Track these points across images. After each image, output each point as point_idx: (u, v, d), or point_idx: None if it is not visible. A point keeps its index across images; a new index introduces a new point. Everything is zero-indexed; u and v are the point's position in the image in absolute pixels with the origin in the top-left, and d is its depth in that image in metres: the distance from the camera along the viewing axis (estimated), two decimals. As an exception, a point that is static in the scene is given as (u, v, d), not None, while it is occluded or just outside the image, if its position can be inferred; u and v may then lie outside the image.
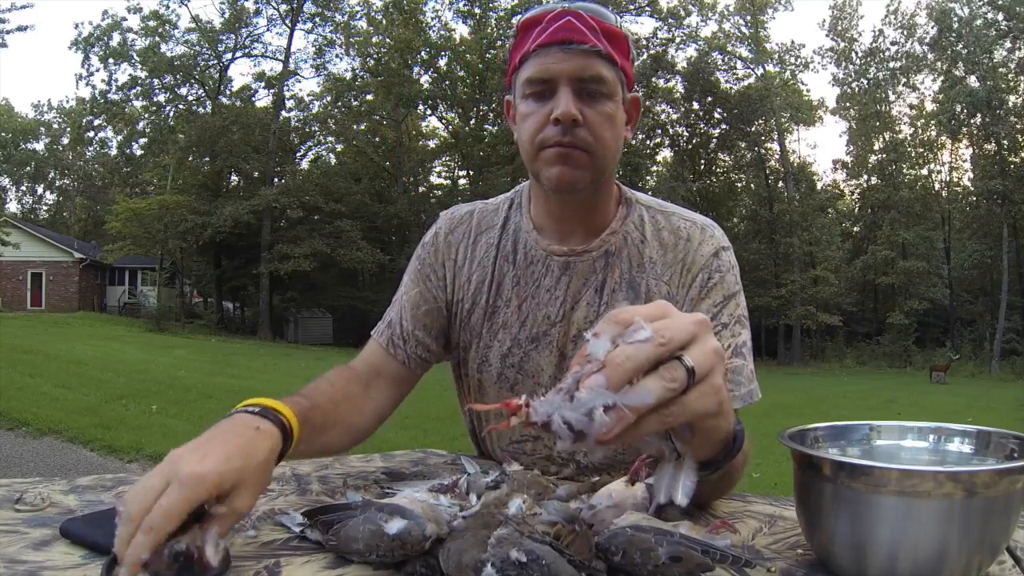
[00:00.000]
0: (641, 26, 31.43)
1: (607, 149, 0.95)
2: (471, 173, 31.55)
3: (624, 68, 0.96)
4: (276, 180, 29.40)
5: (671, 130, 33.41)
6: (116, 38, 28.99)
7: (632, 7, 29.84)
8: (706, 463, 0.68)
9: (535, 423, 0.51)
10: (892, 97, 32.87)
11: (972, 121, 28.14)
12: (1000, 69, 27.14)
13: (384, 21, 29.87)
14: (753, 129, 33.03)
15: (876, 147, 33.94)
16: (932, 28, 29.28)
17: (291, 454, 0.77)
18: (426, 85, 30.91)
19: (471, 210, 1.13)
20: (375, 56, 30.06)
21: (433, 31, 30.30)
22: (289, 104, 30.64)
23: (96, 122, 32.80)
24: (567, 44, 0.91)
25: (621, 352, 0.50)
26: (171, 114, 30.18)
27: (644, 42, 30.62)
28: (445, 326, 1.11)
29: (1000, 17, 26.67)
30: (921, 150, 33.12)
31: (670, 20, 31.10)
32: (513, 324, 1.05)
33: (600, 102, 0.93)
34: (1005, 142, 27.01)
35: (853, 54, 33.27)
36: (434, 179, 36.19)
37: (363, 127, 32.82)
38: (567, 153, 0.93)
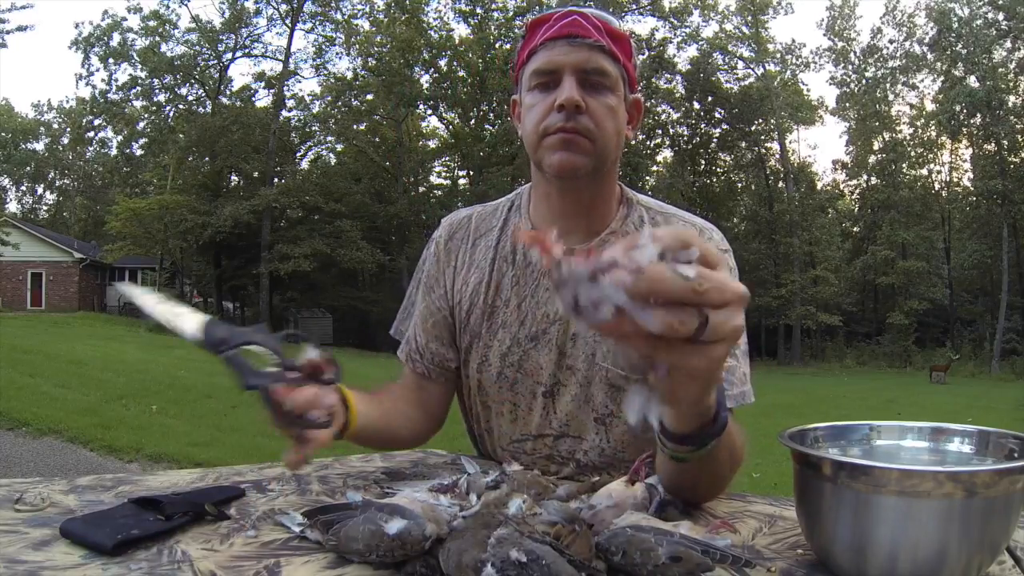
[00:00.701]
0: (643, 25, 31.46)
1: (608, 139, 0.98)
2: (471, 173, 31.55)
3: (626, 67, 1.00)
4: (276, 180, 29.40)
5: (671, 130, 33.43)
6: (116, 38, 28.99)
7: (634, 6, 29.85)
8: (684, 437, 0.69)
9: (556, 275, 0.50)
10: (891, 97, 32.88)
11: (972, 121, 28.14)
12: (1000, 69, 27.14)
13: (386, 20, 29.87)
14: (753, 129, 33.04)
15: (876, 147, 33.94)
16: (931, 28, 29.29)
17: (362, 416, 0.93)
18: (426, 85, 30.92)
19: (469, 214, 1.16)
20: (376, 56, 30.06)
21: (434, 31, 30.31)
22: (289, 104, 30.67)
23: (96, 122, 32.81)
24: (573, 38, 0.96)
25: (659, 271, 0.48)
26: (171, 114, 30.17)
27: (642, 43, 30.61)
28: (455, 333, 1.14)
29: (1000, 17, 26.67)
30: (921, 150, 33.12)
31: (672, 20, 31.08)
32: (512, 323, 1.07)
33: (603, 94, 0.97)
34: (1005, 142, 27.00)
35: (851, 54, 33.24)
36: (434, 179, 36.22)
37: (363, 127, 32.81)
38: (570, 139, 0.96)
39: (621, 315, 0.48)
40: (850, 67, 33.22)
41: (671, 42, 31.63)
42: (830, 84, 35.63)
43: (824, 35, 33.89)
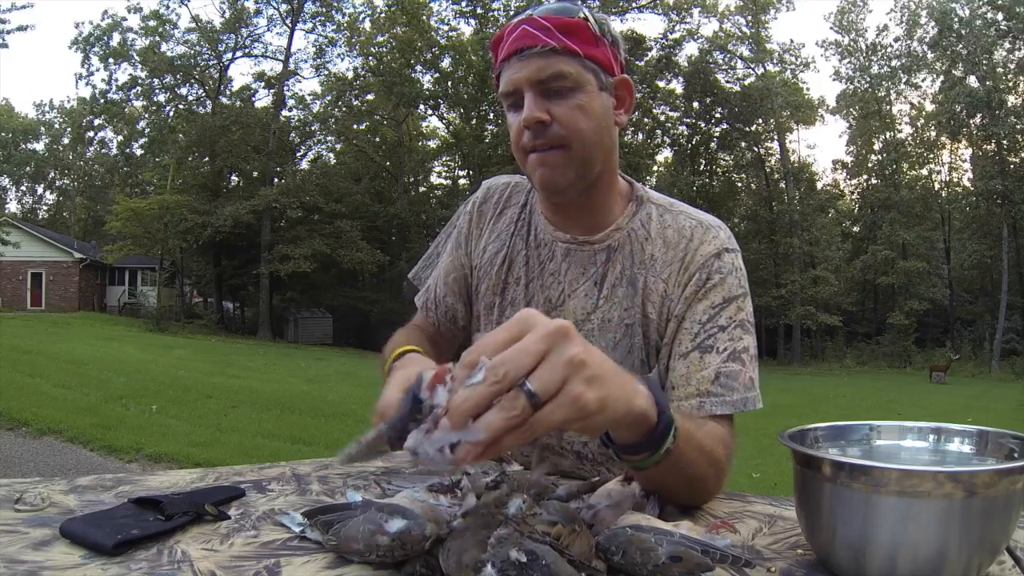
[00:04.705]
0: (644, 23, 31.52)
1: (586, 139, 0.96)
2: (471, 173, 31.57)
3: (592, 56, 0.95)
4: (276, 180, 29.39)
5: (672, 130, 33.42)
6: (116, 38, 28.97)
7: (633, 5, 29.85)
8: (631, 447, 0.71)
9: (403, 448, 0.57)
10: (893, 96, 32.84)
11: (972, 121, 28.14)
12: (999, 69, 27.14)
13: (386, 20, 29.86)
14: (753, 128, 33.04)
15: (876, 147, 33.94)
16: (932, 28, 29.27)
17: None
18: (427, 85, 30.93)
19: (508, 183, 1.18)
20: (376, 56, 30.07)
21: (436, 32, 30.31)
22: (290, 103, 30.67)
23: (96, 122, 32.80)
24: (522, 52, 0.94)
25: (459, 397, 0.54)
26: (171, 114, 30.17)
27: (651, 43, 30.62)
28: (471, 294, 1.17)
29: (1000, 17, 26.67)
30: (921, 150, 33.11)
31: (672, 15, 31.04)
32: (520, 302, 1.08)
33: (567, 97, 0.94)
34: (1005, 142, 27.01)
35: (858, 52, 33.10)
36: (434, 179, 36.27)
37: (363, 127, 32.80)
38: (543, 156, 0.96)
39: (465, 448, 0.54)
40: (856, 62, 33.07)
41: (679, 44, 31.56)
42: (834, 79, 35.54)
43: (831, 28, 33.79)
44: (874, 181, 34.21)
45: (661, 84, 31.87)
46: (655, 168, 34.50)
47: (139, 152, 31.96)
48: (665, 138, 33.57)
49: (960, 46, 27.45)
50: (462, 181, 33.08)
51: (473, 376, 0.54)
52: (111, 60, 29.12)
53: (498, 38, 0.99)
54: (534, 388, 0.54)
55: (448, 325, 1.17)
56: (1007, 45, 27.11)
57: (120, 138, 32.24)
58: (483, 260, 1.12)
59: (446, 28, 30.59)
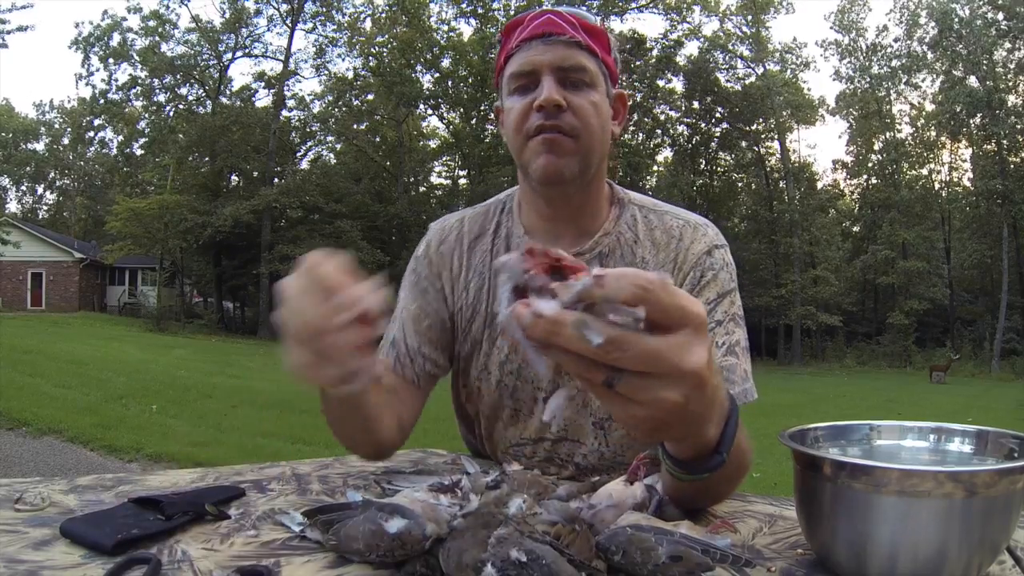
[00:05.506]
0: (644, 23, 31.55)
1: (593, 136, 0.96)
2: (471, 173, 31.56)
3: (606, 62, 0.98)
4: (276, 180, 29.40)
5: (672, 130, 33.43)
6: (116, 38, 29.01)
7: (633, 4, 29.85)
8: (680, 462, 0.67)
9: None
10: (893, 96, 32.83)
11: (972, 121, 28.14)
12: (999, 69, 27.14)
13: (386, 21, 29.87)
14: (754, 128, 33.03)
15: (876, 147, 33.94)
16: (932, 28, 29.27)
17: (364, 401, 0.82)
18: (428, 85, 30.93)
19: (460, 218, 1.13)
20: (377, 56, 30.08)
21: (438, 33, 30.32)
22: (290, 104, 30.69)
23: (96, 122, 32.81)
24: (548, 36, 0.94)
25: (558, 323, 0.46)
26: (171, 114, 30.19)
27: (652, 43, 30.64)
28: (450, 339, 1.09)
29: (1000, 17, 26.66)
30: (921, 150, 33.11)
31: (672, 15, 31.04)
32: None
33: (584, 90, 0.95)
34: (1005, 142, 27.00)
35: (859, 52, 33.07)
36: (434, 179, 36.27)
37: (364, 127, 32.82)
38: (552, 139, 0.94)
39: (519, 344, 0.48)
40: (856, 62, 33.02)
41: (679, 45, 31.53)
42: (834, 79, 35.50)
43: (831, 27, 33.77)
44: (874, 181, 34.23)
45: (661, 84, 31.90)
46: (655, 168, 34.52)
47: (139, 152, 32.02)
48: (665, 138, 33.59)
49: (960, 46, 27.44)
50: (462, 181, 33.09)
51: (591, 331, 0.45)
52: (111, 60, 29.17)
53: (516, 22, 0.98)
54: (619, 380, 0.48)
55: (427, 379, 1.06)
56: (1007, 45, 27.11)
57: (120, 138, 32.32)
58: (468, 300, 1.07)
59: (446, 28, 30.63)
